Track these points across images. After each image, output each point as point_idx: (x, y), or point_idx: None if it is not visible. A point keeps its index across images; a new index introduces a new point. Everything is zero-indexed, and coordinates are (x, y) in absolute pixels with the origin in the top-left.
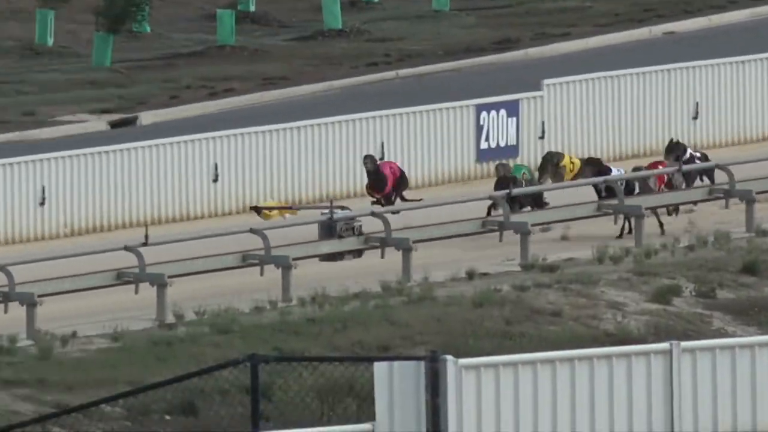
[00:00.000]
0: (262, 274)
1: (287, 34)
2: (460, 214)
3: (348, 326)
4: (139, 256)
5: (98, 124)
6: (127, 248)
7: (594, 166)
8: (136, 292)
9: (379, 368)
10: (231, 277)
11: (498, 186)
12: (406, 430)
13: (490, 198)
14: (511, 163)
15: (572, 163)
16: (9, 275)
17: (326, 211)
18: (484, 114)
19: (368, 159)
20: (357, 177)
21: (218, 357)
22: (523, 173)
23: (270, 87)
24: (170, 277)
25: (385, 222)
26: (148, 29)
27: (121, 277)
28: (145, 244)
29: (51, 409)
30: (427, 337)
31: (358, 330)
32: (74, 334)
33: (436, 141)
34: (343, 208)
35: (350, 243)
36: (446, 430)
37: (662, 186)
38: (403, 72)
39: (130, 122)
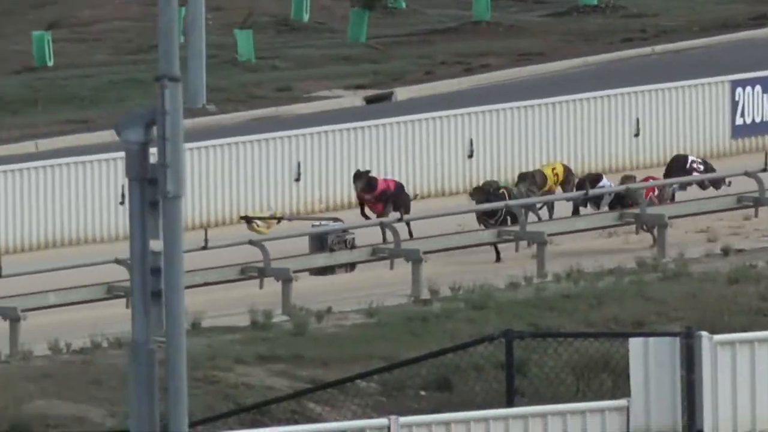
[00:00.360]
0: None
1: (542, 9)
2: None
3: (603, 302)
4: (395, 233)
5: (354, 99)
6: (383, 225)
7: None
8: (391, 267)
9: (635, 344)
10: (489, 253)
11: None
12: (661, 406)
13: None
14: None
15: (555, 173)
16: (264, 250)
17: (317, 223)
18: (739, 90)
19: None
20: (613, 152)
21: (473, 333)
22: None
23: (525, 63)
24: (425, 253)
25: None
26: (404, 5)
27: (377, 253)
28: (399, 219)
29: (306, 384)
30: (682, 313)
31: (612, 306)
32: (329, 310)
33: (690, 117)
34: (335, 219)
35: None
36: (701, 406)
37: (651, 198)
38: (659, 48)
39: (385, 98)
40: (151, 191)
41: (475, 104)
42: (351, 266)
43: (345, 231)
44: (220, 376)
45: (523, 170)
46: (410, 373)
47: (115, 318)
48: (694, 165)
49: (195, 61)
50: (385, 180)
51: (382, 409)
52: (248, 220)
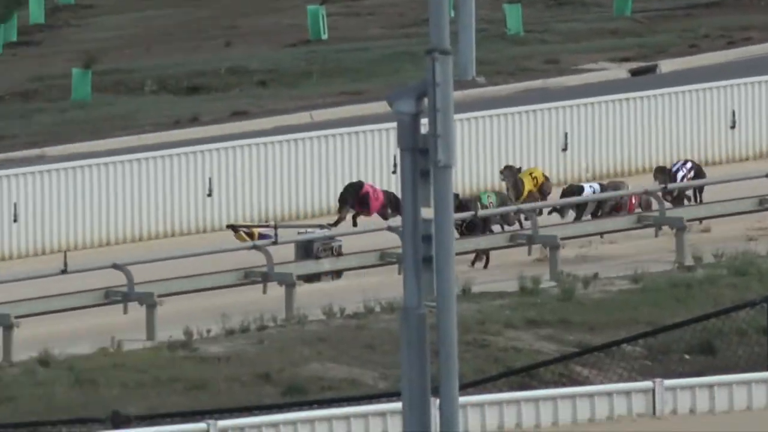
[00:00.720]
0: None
1: None
2: None
3: None
4: (659, 201)
5: (619, 72)
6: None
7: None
8: (656, 235)
9: None
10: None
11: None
12: None
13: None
14: None
15: (534, 177)
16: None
17: (303, 230)
18: None
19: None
20: None
21: (735, 298)
22: (488, 196)
23: None
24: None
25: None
26: None
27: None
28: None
29: (573, 348)
30: None
31: None
32: (595, 276)
33: None
34: (322, 227)
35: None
36: None
37: (634, 208)
38: None
39: (650, 70)
40: (423, 161)
41: (738, 77)
42: (338, 273)
43: (332, 238)
44: (489, 340)
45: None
46: (674, 337)
47: (387, 284)
48: (680, 173)
49: (465, 35)
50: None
51: (647, 372)
52: (235, 229)
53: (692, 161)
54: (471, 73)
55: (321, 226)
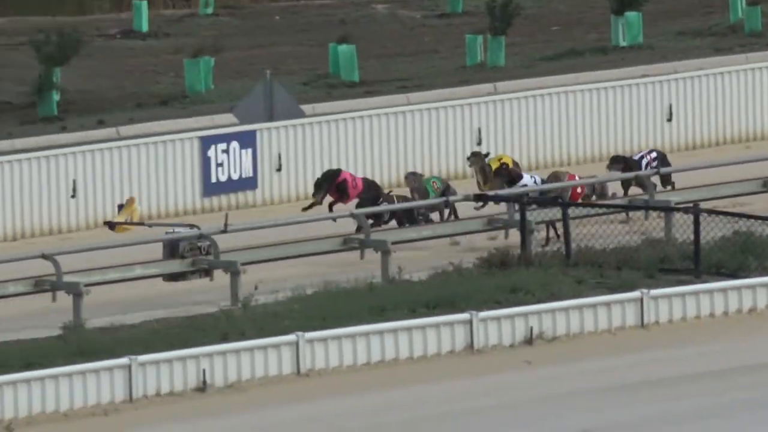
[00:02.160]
0: None
1: None
2: None
3: None
4: None
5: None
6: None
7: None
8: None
9: None
10: None
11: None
12: None
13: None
14: None
15: (503, 163)
16: None
17: (170, 230)
18: None
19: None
20: None
21: None
22: (433, 182)
23: None
24: None
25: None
26: None
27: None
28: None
29: None
30: None
31: None
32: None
33: None
34: (192, 226)
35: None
36: None
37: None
38: None
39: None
40: None
41: None
42: (207, 272)
43: (200, 237)
44: None
45: None
46: None
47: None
48: (644, 161)
49: None
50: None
51: None
52: (111, 225)
53: (657, 150)
54: None
55: (191, 226)
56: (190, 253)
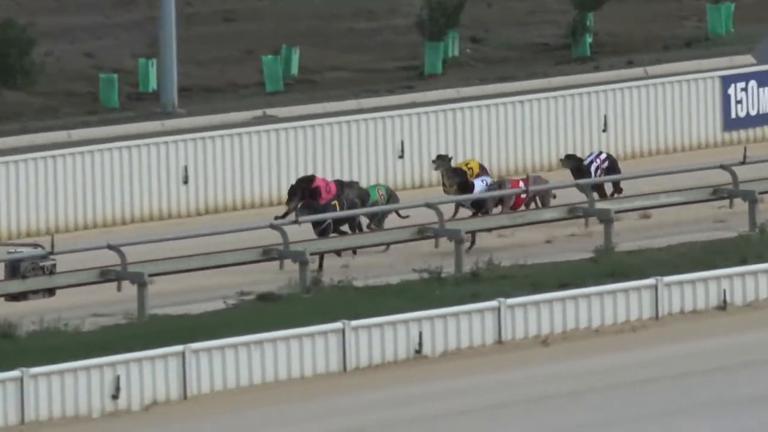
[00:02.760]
0: None
1: None
2: None
3: None
4: None
5: None
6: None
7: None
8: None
9: None
10: None
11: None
12: None
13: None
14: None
15: (469, 168)
16: None
17: (12, 250)
18: None
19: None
20: None
21: None
22: (379, 189)
23: None
24: None
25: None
26: None
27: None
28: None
29: None
30: None
31: None
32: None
33: None
34: (36, 246)
35: None
36: None
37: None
38: None
39: None
40: None
41: None
42: (50, 291)
43: (45, 257)
44: None
45: None
46: None
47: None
48: (594, 166)
49: None
50: (326, 183)
51: None
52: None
53: (607, 153)
54: None
55: (35, 245)
56: (32, 273)
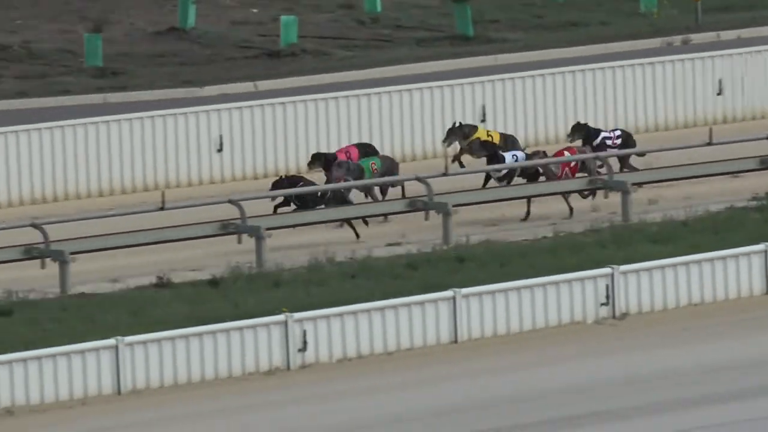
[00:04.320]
0: None
1: None
2: None
3: None
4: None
5: None
6: None
7: (487, 149)
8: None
9: None
10: None
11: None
12: None
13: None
14: None
15: (489, 136)
16: None
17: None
18: None
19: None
20: None
21: None
22: (372, 163)
23: None
24: None
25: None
26: None
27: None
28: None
29: None
30: None
31: None
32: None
33: None
34: None
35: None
36: None
37: (568, 171)
38: None
39: None
40: None
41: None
42: None
43: None
44: None
45: None
46: None
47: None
48: (608, 141)
49: None
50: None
51: None
52: None
53: (622, 129)
54: None
55: None
56: None
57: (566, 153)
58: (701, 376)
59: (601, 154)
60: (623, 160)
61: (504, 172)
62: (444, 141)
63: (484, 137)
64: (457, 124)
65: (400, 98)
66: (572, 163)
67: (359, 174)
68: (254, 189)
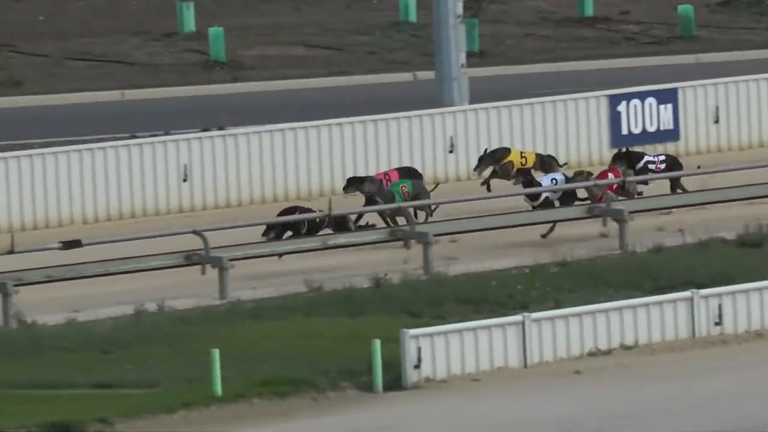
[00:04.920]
0: None
1: None
2: None
3: None
4: None
5: None
6: None
7: (523, 175)
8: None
9: None
10: None
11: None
12: None
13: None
14: None
15: (524, 157)
16: None
17: None
18: None
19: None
20: None
21: None
22: (403, 186)
23: None
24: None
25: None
26: None
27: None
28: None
29: None
30: None
31: None
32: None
33: None
34: None
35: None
36: None
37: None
38: None
39: None
40: None
41: None
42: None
43: None
44: None
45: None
46: None
47: None
48: (651, 165)
49: None
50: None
51: None
52: None
53: (667, 154)
54: None
55: None
56: None
57: (610, 174)
58: None
59: (630, 178)
60: (673, 183)
61: (540, 200)
62: (475, 169)
63: (517, 160)
64: (488, 151)
65: (364, 128)
66: (614, 186)
67: (391, 198)
68: (220, 219)
